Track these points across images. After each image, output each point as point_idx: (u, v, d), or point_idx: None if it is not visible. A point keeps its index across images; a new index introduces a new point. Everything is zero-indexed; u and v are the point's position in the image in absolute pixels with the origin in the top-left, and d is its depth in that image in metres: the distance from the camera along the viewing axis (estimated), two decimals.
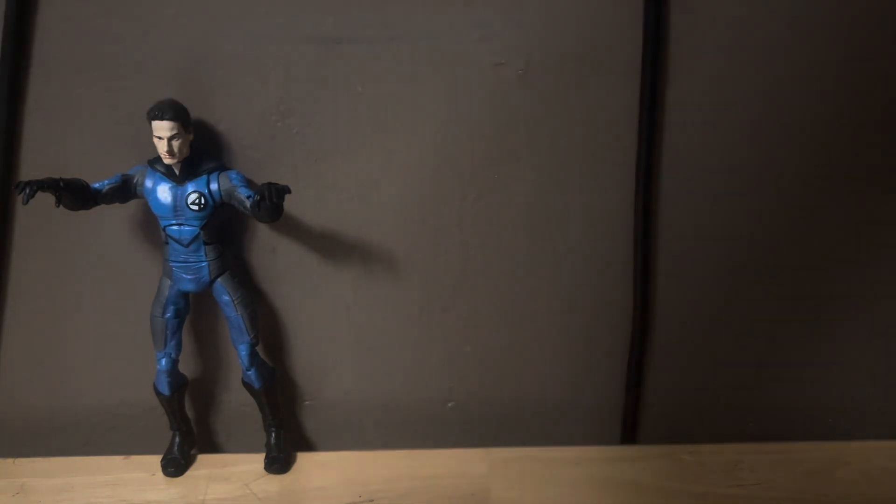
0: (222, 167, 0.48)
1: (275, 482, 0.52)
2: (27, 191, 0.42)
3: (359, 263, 0.53)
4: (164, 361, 0.51)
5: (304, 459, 0.54)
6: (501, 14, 0.47)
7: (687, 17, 0.48)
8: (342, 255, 0.53)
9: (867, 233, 0.53)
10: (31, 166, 0.50)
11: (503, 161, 0.51)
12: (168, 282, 0.49)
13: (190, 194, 0.47)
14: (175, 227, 0.47)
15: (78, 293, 0.53)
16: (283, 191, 0.42)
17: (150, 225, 0.51)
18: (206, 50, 0.48)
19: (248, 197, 0.45)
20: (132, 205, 0.50)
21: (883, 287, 0.55)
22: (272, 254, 0.52)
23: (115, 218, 0.51)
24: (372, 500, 0.51)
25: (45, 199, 0.50)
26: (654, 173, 0.51)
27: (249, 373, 0.51)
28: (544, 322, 0.55)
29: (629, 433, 0.57)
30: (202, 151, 0.47)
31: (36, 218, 0.51)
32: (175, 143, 0.45)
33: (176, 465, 0.53)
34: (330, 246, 0.52)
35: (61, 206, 0.44)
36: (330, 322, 0.54)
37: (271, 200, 0.42)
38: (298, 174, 0.50)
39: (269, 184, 0.43)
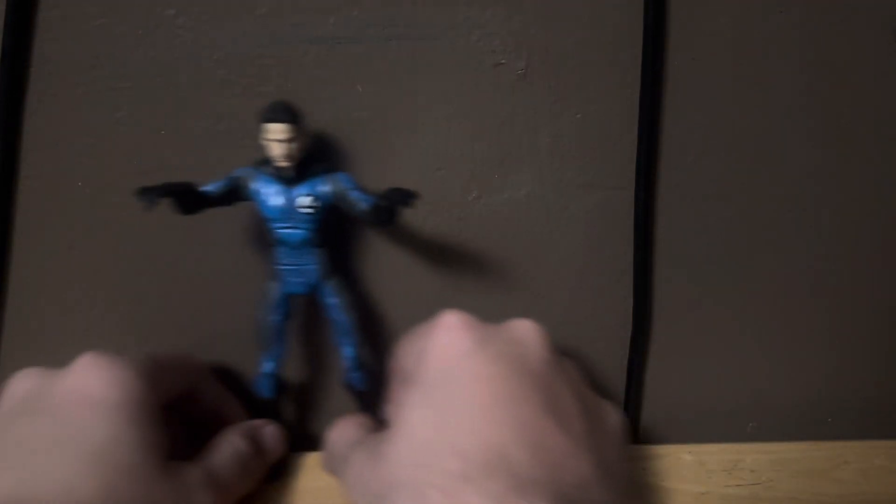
0: (332, 169, 0.47)
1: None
2: (149, 198, 0.41)
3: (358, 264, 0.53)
4: (268, 364, 0.50)
5: (304, 459, 0.54)
6: (501, 14, 0.47)
7: (687, 18, 0.48)
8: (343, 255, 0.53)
9: (868, 232, 0.53)
10: (31, 166, 0.50)
11: (503, 161, 0.51)
12: (276, 285, 0.48)
13: (301, 197, 0.46)
14: (285, 231, 0.46)
15: (78, 293, 0.53)
16: (409, 197, 0.40)
17: (149, 224, 0.51)
18: (206, 50, 0.48)
19: (362, 200, 0.44)
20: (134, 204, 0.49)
21: (883, 287, 0.55)
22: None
23: (114, 217, 0.51)
24: None
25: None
26: (654, 173, 0.51)
27: (353, 375, 0.51)
28: (544, 322, 0.55)
29: (629, 433, 0.57)
30: (311, 154, 0.46)
31: (36, 218, 0.51)
32: (290, 147, 0.44)
33: (277, 471, 0.52)
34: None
35: (150, 208, 0.42)
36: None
37: (396, 206, 0.40)
38: None
39: (396, 189, 0.41)
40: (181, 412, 0.50)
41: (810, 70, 0.49)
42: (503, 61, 0.48)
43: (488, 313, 0.55)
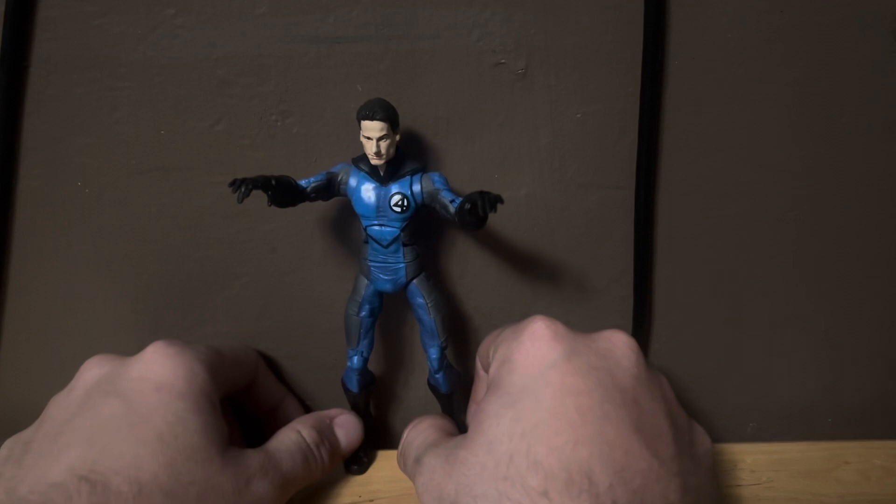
0: (424, 169, 0.47)
1: None
2: (242, 189, 0.41)
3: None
4: (356, 359, 0.50)
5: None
6: (501, 14, 0.47)
7: (687, 18, 0.48)
8: (344, 256, 0.53)
9: (869, 233, 0.53)
10: (31, 166, 0.50)
11: (503, 161, 0.51)
12: (365, 281, 0.48)
13: (393, 195, 0.46)
14: (377, 228, 0.46)
15: (78, 292, 0.53)
16: (496, 201, 0.40)
17: (148, 223, 0.51)
18: (205, 49, 0.48)
19: (452, 201, 0.44)
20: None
21: (882, 288, 0.55)
22: (272, 254, 0.52)
23: (114, 217, 0.52)
24: (372, 500, 0.51)
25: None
26: (654, 173, 0.51)
27: (438, 376, 0.51)
28: None
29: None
30: (404, 153, 0.46)
31: (36, 218, 0.51)
32: (383, 144, 0.43)
33: (359, 463, 0.53)
34: (331, 246, 0.52)
35: (242, 202, 0.42)
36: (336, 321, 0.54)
37: (483, 210, 0.40)
38: (298, 174, 0.50)
39: (482, 192, 0.40)
40: (238, 406, 0.51)
41: (810, 70, 0.49)
42: (503, 61, 0.48)
43: (488, 313, 0.55)
